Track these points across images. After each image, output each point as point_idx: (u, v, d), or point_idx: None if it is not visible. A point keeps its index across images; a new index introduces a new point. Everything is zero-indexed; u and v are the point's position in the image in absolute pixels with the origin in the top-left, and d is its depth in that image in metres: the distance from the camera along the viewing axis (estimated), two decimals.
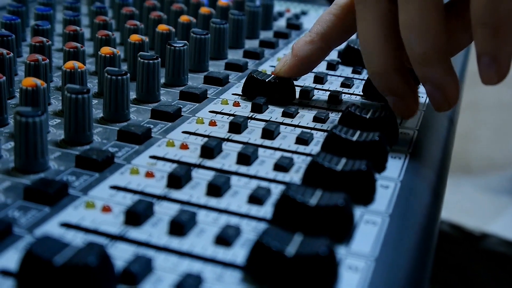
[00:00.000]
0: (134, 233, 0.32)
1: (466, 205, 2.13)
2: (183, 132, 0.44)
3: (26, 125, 0.36)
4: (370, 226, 0.34)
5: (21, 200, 0.34)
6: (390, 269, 0.31)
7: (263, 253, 0.28)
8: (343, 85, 0.56)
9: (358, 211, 0.35)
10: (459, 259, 1.47)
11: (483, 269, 1.45)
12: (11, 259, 0.29)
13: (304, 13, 0.84)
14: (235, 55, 0.63)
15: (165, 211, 0.34)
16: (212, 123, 0.46)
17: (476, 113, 2.57)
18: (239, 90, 0.53)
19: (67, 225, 0.32)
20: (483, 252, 1.46)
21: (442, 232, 1.50)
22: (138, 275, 0.28)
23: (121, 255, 0.30)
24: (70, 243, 0.27)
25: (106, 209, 0.33)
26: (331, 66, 0.60)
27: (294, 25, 0.75)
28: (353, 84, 0.56)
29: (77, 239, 0.31)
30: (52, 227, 0.32)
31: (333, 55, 0.65)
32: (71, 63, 0.46)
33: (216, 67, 0.59)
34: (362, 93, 0.54)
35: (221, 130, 0.45)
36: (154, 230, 0.32)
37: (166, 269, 0.29)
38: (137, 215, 0.32)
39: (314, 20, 0.79)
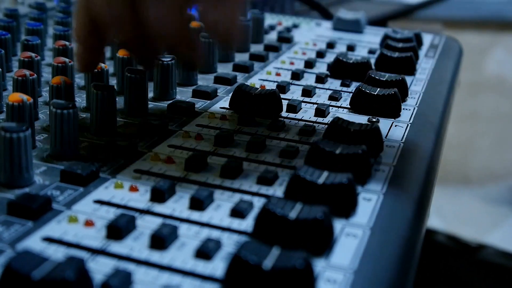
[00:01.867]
0: (116, 247, 0.32)
1: (465, 216, 2.13)
2: (169, 146, 0.44)
3: (10, 140, 0.36)
4: (351, 239, 0.34)
5: (4, 215, 0.34)
6: (369, 282, 0.31)
7: (241, 266, 0.29)
8: (331, 98, 0.56)
9: (339, 224, 0.35)
10: (456, 270, 1.47)
11: (480, 280, 1.45)
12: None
13: (295, 26, 0.85)
14: (224, 69, 0.63)
15: (147, 225, 0.34)
16: (199, 137, 0.46)
17: (475, 123, 2.57)
18: (226, 104, 0.53)
19: (49, 240, 0.32)
20: (480, 263, 1.46)
21: (438, 243, 1.50)
22: None
23: (101, 269, 0.30)
24: (50, 258, 0.28)
25: (89, 223, 0.34)
26: (320, 79, 0.61)
27: (285, 38, 0.76)
28: (341, 97, 0.56)
29: (59, 253, 0.31)
30: (34, 242, 0.32)
31: (322, 68, 0.66)
32: (58, 78, 0.46)
33: (205, 80, 0.59)
34: (349, 106, 0.54)
35: (207, 143, 0.45)
36: (136, 244, 0.32)
37: (145, 282, 0.29)
38: (118, 229, 0.33)
39: (305, 33, 0.80)
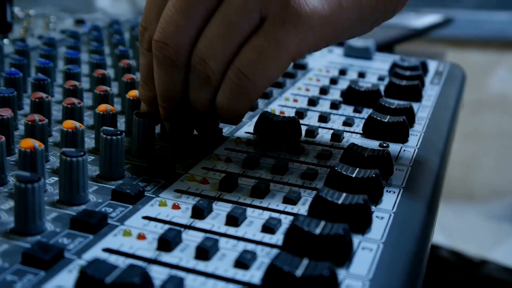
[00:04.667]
0: (166, 257, 0.37)
1: (468, 232, 2.18)
2: (203, 168, 0.50)
3: (71, 163, 0.42)
4: (367, 252, 0.39)
5: (67, 229, 0.40)
6: None
7: (276, 274, 0.34)
8: (345, 123, 0.62)
9: (356, 239, 0.41)
10: (459, 285, 1.51)
11: None
12: (65, 278, 0.35)
13: None
14: None
15: (191, 238, 0.39)
16: (228, 160, 0.51)
17: (478, 141, 2.63)
18: (251, 129, 0.58)
19: (109, 250, 0.38)
20: (483, 278, 1.51)
21: (442, 258, 1.55)
22: None
23: (156, 275, 0.35)
24: (118, 265, 0.33)
25: (141, 236, 0.39)
26: (334, 105, 0.66)
27: (300, 65, 0.82)
28: (354, 123, 0.62)
29: (119, 262, 0.37)
30: (96, 252, 0.37)
31: (335, 95, 0.71)
32: (104, 107, 0.52)
33: None
34: (362, 131, 0.60)
35: (236, 166, 0.50)
36: (183, 255, 0.38)
37: (195, 287, 0.35)
38: (168, 242, 0.38)
39: (318, 59, 0.86)
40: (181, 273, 0.36)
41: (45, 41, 0.75)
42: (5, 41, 0.79)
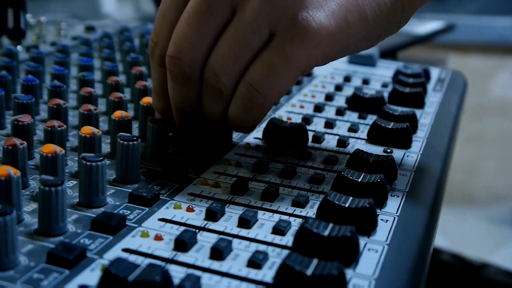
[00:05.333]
0: (182, 257, 0.39)
1: (469, 236, 2.20)
2: (214, 172, 0.52)
3: (90, 168, 0.44)
4: (372, 253, 0.41)
5: (88, 230, 0.42)
6: (387, 287, 0.38)
7: (288, 273, 0.36)
8: (350, 129, 0.64)
9: (362, 241, 0.43)
10: (460, 287, 1.53)
11: None
12: (88, 277, 0.37)
13: None
14: None
15: (205, 239, 0.42)
16: (238, 165, 0.53)
17: (479, 145, 2.65)
18: (259, 134, 0.61)
19: (128, 251, 0.40)
20: (483, 281, 1.53)
21: (442, 261, 1.57)
22: None
23: (173, 274, 0.37)
24: (140, 264, 0.35)
25: (158, 237, 0.41)
26: (340, 112, 0.69)
27: None
28: (359, 129, 0.64)
29: (138, 261, 0.39)
30: (117, 252, 0.40)
31: (340, 101, 0.73)
32: (119, 113, 0.54)
33: None
34: (367, 137, 0.62)
35: (246, 170, 0.53)
36: (198, 255, 0.40)
37: (210, 285, 0.37)
38: (184, 242, 0.40)
39: (323, 66, 0.88)
40: (197, 272, 0.38)
41: (59, 48, 0.77)
42: (19, 47, 0.82)
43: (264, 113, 0.52)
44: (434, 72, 0.90)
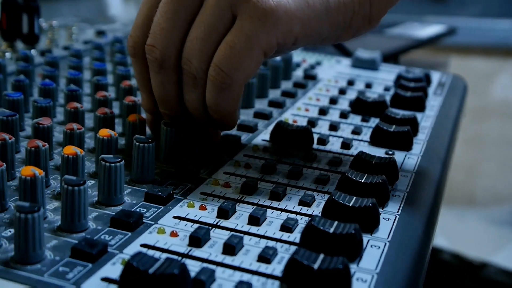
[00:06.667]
0: (197, 252, 0.42)
1: (470, 237, 2.22)
2: (224, 173, 0.55)
3: (109, 168, 0.47)
4: (375, 249, 0.44)
5: (108, 227, 0.44)
6: (389, 282, 0.41)
7: (296, 267, 0.39)
8: (353, 132, 0.66)
9: (365, 238, 0.45)
10: (459, 287, 1.56)
11: None
12: (110, 270, 0.39)
13: (318, 63, 0.95)
14: (260, 105, 0.74)
15: (218, 236, 0.44)
16: (247, 166, 0.56)
17: (481, 147, 2.67)
18: (267, 137, 0.63)
19: (146, 246, 0.43)
20: (483, 281, 1.55)
21: (443, 261, 1.59)
22: (206, 282, 0.38)
23: (190, 268, 0.40)
24: (159, 258, 0.38)
25: (174, 234, 0.44)
26: (343, 115, 0.71)
27: (310, 76, 0.86)
28: (362, 132, 0.67)
29: (156, 256, 0.41)
30: (135, 247, 0.42)
31: (344, 104, 0.76)
32: (134, 116, 0.56)
33: (245, 115, 0.70)
34: (369, 140, 0.65)
35: (254, 171, 0.55)
36: (212, 250, 0.42)
37: (224, 278, 0.39)
38: (198, 238, 0.43)
39: (327, 70, 0.91)
40: (211, 266, 0.41)
41: (72, 53, 0.80)
42: (33, 51, 0.84)
43: (234, 95, 0.54)
44: (435, 76, 0.93)
